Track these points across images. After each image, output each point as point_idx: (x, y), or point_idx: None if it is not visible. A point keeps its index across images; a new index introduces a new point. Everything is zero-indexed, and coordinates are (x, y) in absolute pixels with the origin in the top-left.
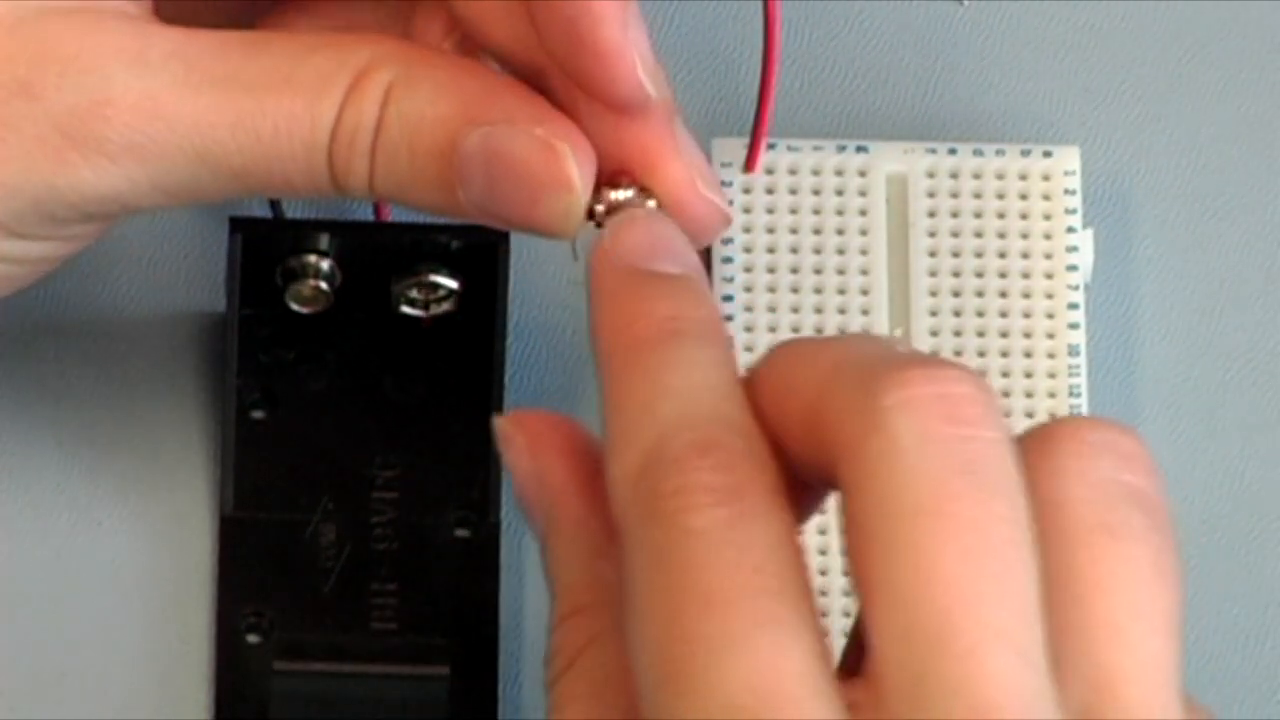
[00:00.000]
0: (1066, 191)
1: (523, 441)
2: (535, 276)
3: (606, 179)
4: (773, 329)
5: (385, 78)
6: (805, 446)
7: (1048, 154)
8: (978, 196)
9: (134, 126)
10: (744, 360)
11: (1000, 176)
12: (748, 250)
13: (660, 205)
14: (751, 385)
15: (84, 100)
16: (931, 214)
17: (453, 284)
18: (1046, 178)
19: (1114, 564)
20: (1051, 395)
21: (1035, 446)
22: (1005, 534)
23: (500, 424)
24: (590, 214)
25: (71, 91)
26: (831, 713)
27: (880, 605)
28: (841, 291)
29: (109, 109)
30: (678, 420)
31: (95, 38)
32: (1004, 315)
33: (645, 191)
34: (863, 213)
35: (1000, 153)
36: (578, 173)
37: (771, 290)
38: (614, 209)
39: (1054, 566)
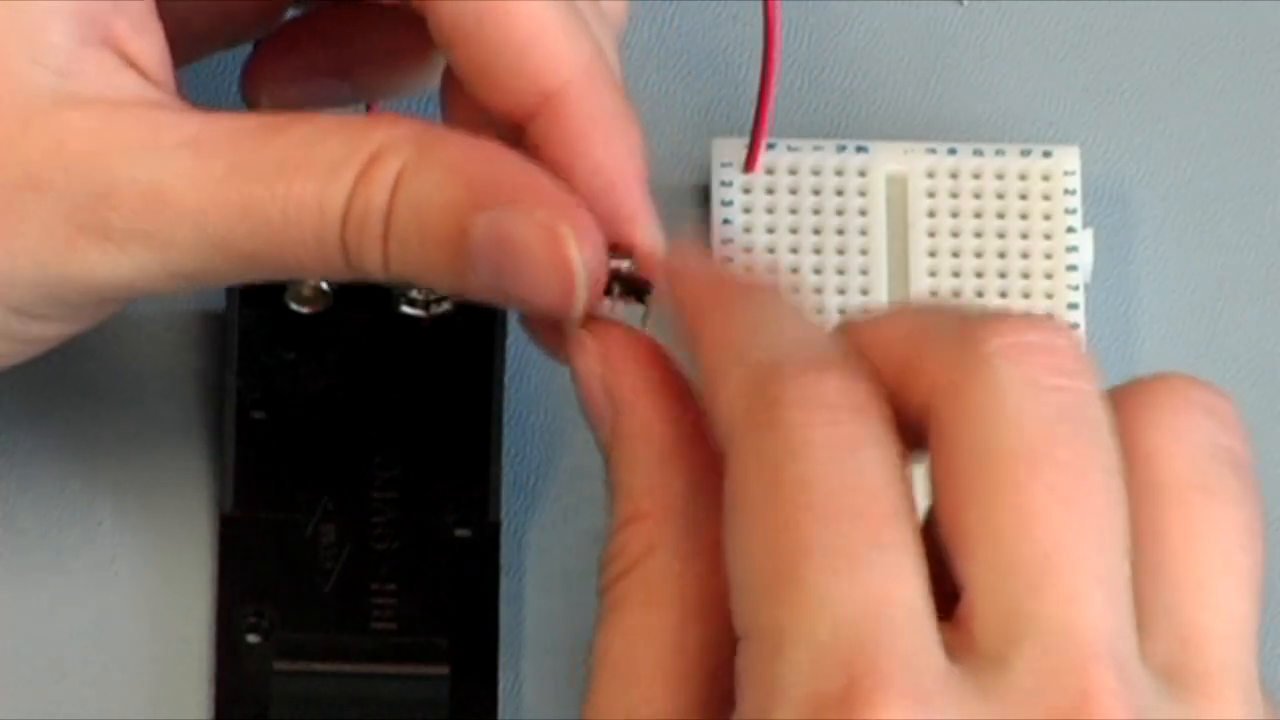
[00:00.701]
0: (1066, 191)
1: (595, 346)
2: None
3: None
4: None
5: (396, 164)
6: (894, 395)
7: (1048, 154)
8: (978, 196)
9: (141, 214)
10: None
11: (1000, 176)
12: (748, 250)
13: (634, 270)
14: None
15: (90, 193)
16: (931, 214)
17: None
18: (1046, 178)
19: (1207, 523)
20: None
21: (1135, 399)
22: (1104, 483)
23: (577, 333)
24: (608, 290)
25: (79, 185)
26: (933, 648)
27: (979, 544)
28: (841, 292)
29: (115, 199)
30: (794, 341)
31: (107, 131)
32: None
33: (620, 254)
34: (863, 213)
35: (1000, 153)
36: (579, 257)
37: None
38: (620, 277)
39: (1145, 519)
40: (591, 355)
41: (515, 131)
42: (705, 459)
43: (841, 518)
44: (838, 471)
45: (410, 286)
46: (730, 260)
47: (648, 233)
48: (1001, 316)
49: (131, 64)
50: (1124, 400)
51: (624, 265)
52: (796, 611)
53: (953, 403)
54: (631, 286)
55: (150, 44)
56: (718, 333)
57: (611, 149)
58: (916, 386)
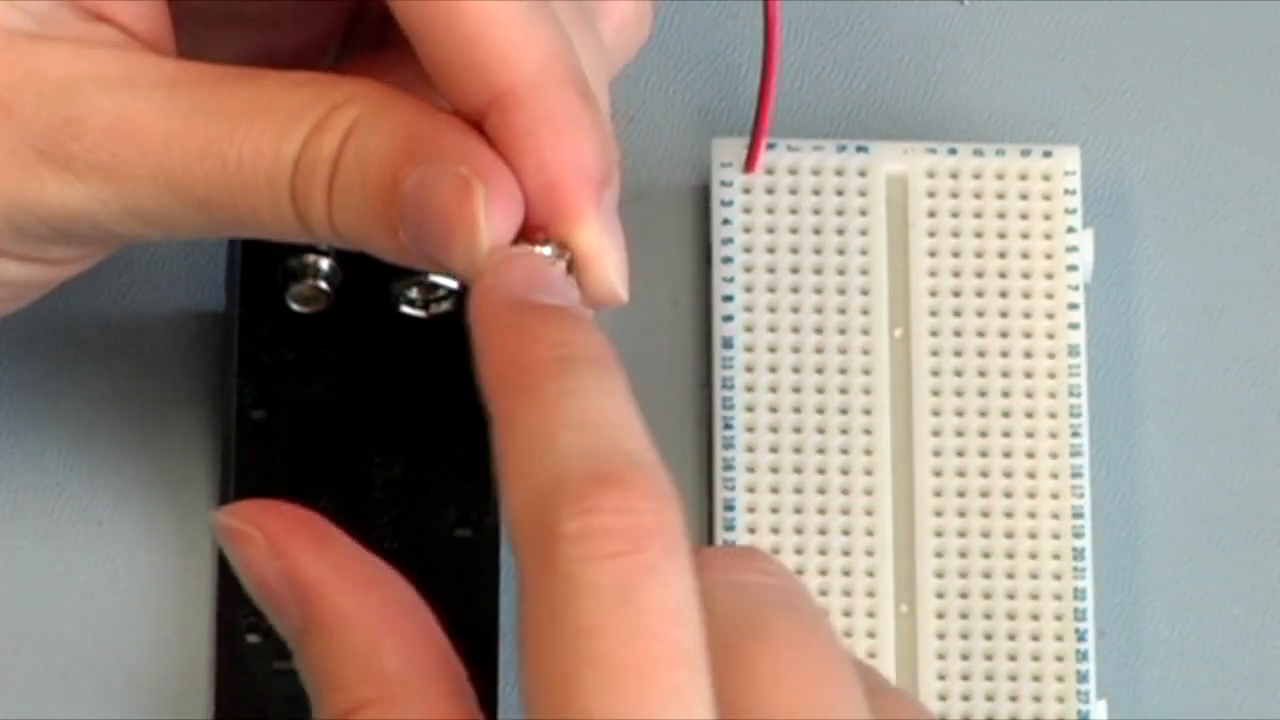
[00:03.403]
0: (1066, 191)
1: (261, 539)
2: None
3: (528, 233)
4: (773, 329)
5: (352, 114)
6: None
7: (1048, 154)
8: (978, 196)
9: (103, 146)
10: (744, 362)
11: (1000, 176)
12: (748, 250)
13: (570, 270)
14: None
15: (58, 118)
16: (931, 214)
17: (453, 284)
18: (1046, 178)
19: (763, 662)
20: (1051, 395)
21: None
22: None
23: (223, 520)
24: None
25: (47, 110)
26: None
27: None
28: (841, 291)
29: (80, 128)
30: (578, 451)
31: (81, 63)
32: (1004, 315)
33: (562, 249)
34: (863, 213)
35: (1000, 153)
36: (484, 212)
37: (771, 290)
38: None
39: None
40: (258, 549)
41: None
42: (410, 627)
43: (623, 679)
44: (618, 616)
45: (411, 288)
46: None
47: (588, 235)
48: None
49: (116, 24)
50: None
51: (544, 250)
52: None
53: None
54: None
55: (142, 5)
56: (515, 422)
57: (559, 151)
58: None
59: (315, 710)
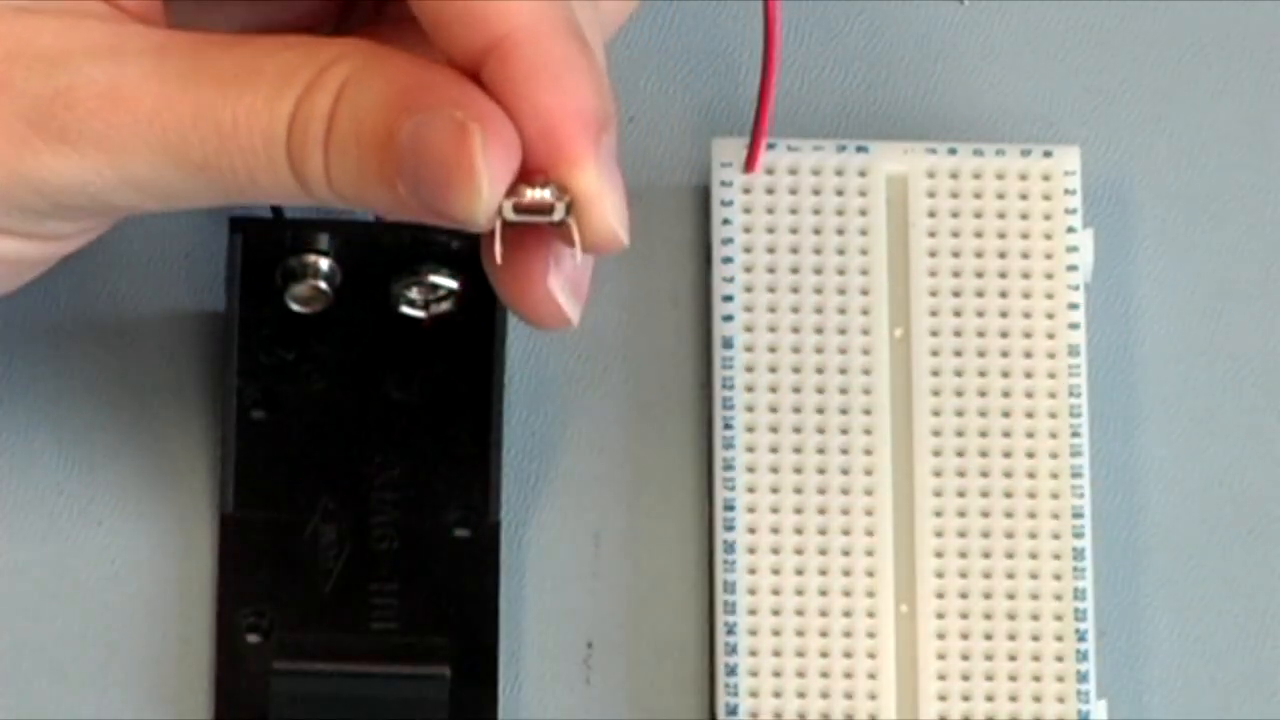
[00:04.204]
0: (1066, 191)
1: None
2: None
3: (527, 177)
4: (773, 329)
5: (343, 72)
6: None
7: (1048, 154)
8: (978, 196)
9: (97, 115)
10: (744, 362)
11: (1000, 176)
12: (748, 250)
13: (570, 213)
14: None
15: (49, 90)
16: (931, 214)
17: (453, 284)
18: (1046, 178)
19: None
20: (1051, 395)
21: None
22: None
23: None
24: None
25: (38, 82)
26: None
27: None
28: (841, 291)
29: (72, 97)
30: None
31: (70, 34)
32: (1004, 315)
33: (562, 192)
34: (863, 213)
35: (1000, 153)
36: (483, 157)
37: (771, 290)
38: (527, 208)
39: None
40: None
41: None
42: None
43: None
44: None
45: (411, 288)
46: None
47: (586, 178)
48: None
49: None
50: None
51: (544, 193)
52: None
53: None
54: (540, 209)
55: None
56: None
57: (557, 95)
58: None
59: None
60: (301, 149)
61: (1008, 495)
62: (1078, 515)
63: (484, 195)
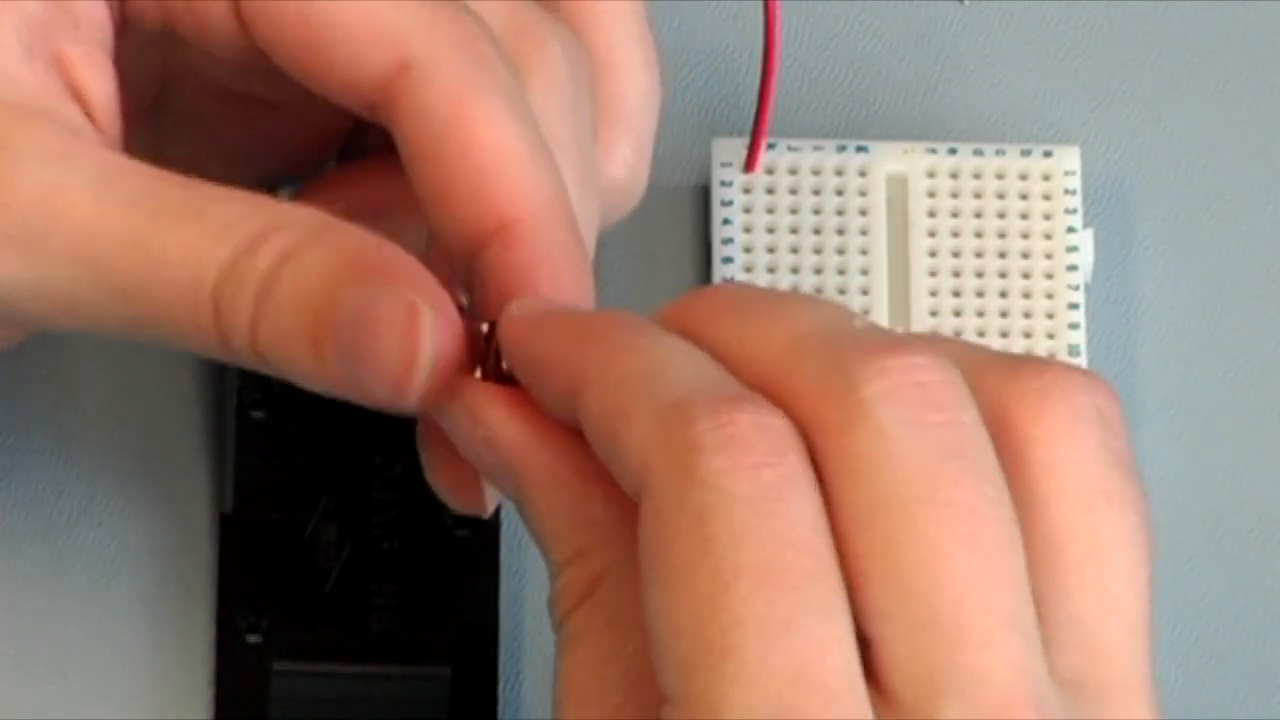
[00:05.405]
0: (1066, 191)
1: (463, 408)
2: None
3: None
4: None
5: (288, 237)
6: None
7: (1048, 154)
8: (978, 196)
9: (27, 218)
10: None
11: (1000, 176)
12: (748, 250)
13: None
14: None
15: None
16: (931, 214)
17: None
18: (1046, 178)
19: (1109, 531)
20: None
21: (1024, 405)
22: (998, 515)
23: (445, 404)
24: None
25: None
26: (865, 709)
27: (887, 599)
28: (842, 291)
29: (8, 193)
30: (694, 379)
31: (25, 130)
32: (1004, 315)
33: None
34: (863, 213)
35: (1000, 153)
36: (429, 343)
37: None
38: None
39: (1044, 530)
40: (463, 418)
41: (467, 259)
42: (613, 479)
43: (774, 581)
44: (765, 530)
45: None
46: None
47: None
48: (874, 349)
49: (75, 93)
50: (1012, 405)
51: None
52: (731, 684)
53: (840, 453)
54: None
55: (98, 79)
56: (607, 374)
57: (559, 288)
58: (792, 416)
59: (547, 564)
60: (232, 300)
61: None
62: None
63: (420, 379)
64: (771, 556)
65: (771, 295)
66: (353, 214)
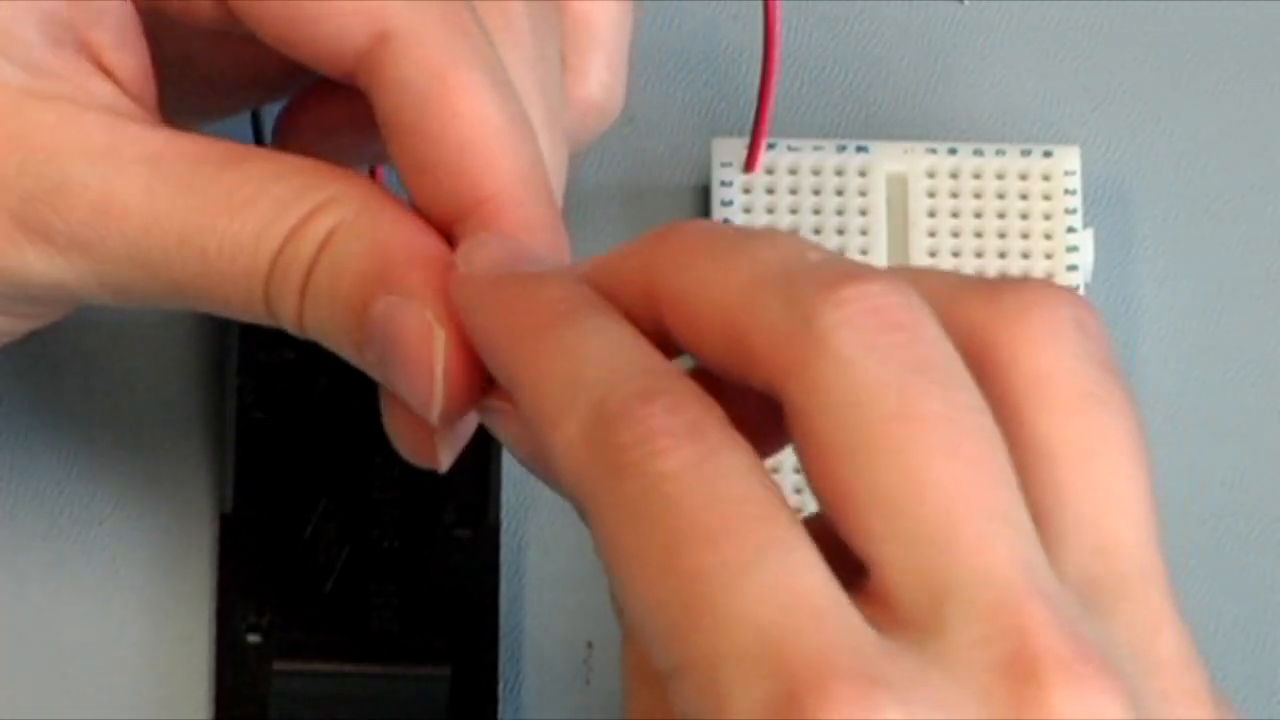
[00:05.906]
0: (1066, 191)
1: (500, 414)
2: None
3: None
4: None
5: (332, 220)
6: (729, 360)
7: (1048, 154)
8: (978, 196)
9: (84, 222)
10: None
11: (1000, 176)
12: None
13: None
14: (654, 288)
15: (39, 189)
16: (931, 214)
17: None
18: (1046, 178)
19: (1105, 432)
20: None
21: (1008, 319)
22: (973, 421)
23: (489, 403)
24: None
25: (30, 179)
26: (862, 627)
27: (875, 518)
28: None
29: (61, 201)
30: (610, 378)
31: (67, 130)
32: None
33: None
34: (863, 213)
35: (1000, 153)
36: (440, 363)
37: None
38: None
39: (1039, 437)
40: (514, 417)
41: (445, 228)
42: None
43: (721, 533)
44: (701, 494)
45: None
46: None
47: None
48: (829, 280)
49: (108, 74)
50: (991, 324)
51: None
52: (716, 635)
53: (800, 381)
54: None
55: (130, 57)
56: (533, 379)
57: (534, 264)
58: (753, 357)
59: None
60: (279, 291)
61: None
62: None
63: (437, 399)
64: (712, 514)
65: (734, 233)
66: (339, 127)
